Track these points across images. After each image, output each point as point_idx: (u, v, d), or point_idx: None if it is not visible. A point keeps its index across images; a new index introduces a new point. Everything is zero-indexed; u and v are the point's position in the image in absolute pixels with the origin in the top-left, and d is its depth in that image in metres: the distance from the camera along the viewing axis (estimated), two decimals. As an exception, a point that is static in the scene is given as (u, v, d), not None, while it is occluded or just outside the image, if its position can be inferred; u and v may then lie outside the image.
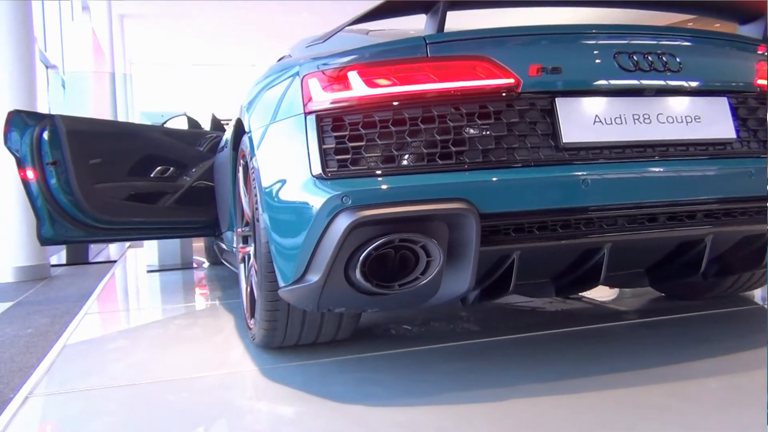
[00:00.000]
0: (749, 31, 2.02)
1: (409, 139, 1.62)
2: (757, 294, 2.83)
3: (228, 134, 2.92)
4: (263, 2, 12.35)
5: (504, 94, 1.67)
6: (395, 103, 1.63)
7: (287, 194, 1.77)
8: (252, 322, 2.24)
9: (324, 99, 1.66)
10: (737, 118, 1.84)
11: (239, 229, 2.61)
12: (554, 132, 1.69)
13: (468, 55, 1.69)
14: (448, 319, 2.65)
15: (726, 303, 2.65)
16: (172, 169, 3.69)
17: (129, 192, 3.53)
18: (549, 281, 2.01)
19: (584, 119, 1.71)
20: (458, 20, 2.04)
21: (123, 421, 1.70)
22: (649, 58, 1.77)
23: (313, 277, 1.67)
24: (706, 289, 2.64)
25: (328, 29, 2.15)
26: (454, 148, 1.63)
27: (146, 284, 4.27)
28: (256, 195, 2.00)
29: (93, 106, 9.82)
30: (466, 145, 1.64)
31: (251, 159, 2.03)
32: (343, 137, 1.63)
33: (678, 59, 1.80)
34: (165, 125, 4.22)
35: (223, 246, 3.44)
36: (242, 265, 2.51)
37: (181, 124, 4.28)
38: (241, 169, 2.46)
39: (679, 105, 1.80)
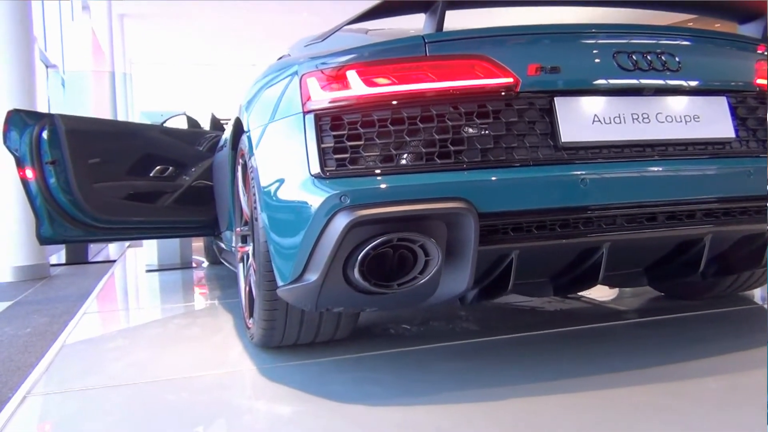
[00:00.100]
0: (749, 30, 2.02)
1: (408, 139, 1.62)
2: (757, 294, 2.83)
3: (227, 133, 2.92)
4: (263, 2, 12.36)
5: (503, 94, 1.67)
6: (394, 103, 1.63)
7: (286, 193, 1.76)
8: (251, 321, 2.23)
9: (323, 98, 1.66)
10: (736, 117, 1.84)
11: (238, 229, 2.61)
12: (553, 131, 1.69)
13: (467, 54, 1.68)
14: (447, 318, 2.64)
15: (725, 302, 2.65)
16: (171, 168, 3.68)
17: (128, 191, 3.53)
18: (548, 280, 2.01)
19: (583, 119, 1.71)
20: (457, 20, 2.04)
21: (122, 420, 1.70)
22: (648, 57, 1.77)
23: (312, 277, 1.67)
24: (705, 288, 2.64)
25: (327, 29, 2.15)
26: (452, 148, 1.62)
27: (145, 284, 4.27)
28: (254, 194, 2.00)
29: (93, 106, 9.84)
30: (465, 144, 1.63)
31: (250, 158, 2.03)
32: (342, 136, 1.62)
33: (677, 59, 1.80)
34: (164, 125, 4.22)
35: (222, 245, 3.43)
36: (241, 265, 2.51)
37: (181, 124, 4.28)
38: (240, 168, 2.46)
39: (678, 104, 1.79)
